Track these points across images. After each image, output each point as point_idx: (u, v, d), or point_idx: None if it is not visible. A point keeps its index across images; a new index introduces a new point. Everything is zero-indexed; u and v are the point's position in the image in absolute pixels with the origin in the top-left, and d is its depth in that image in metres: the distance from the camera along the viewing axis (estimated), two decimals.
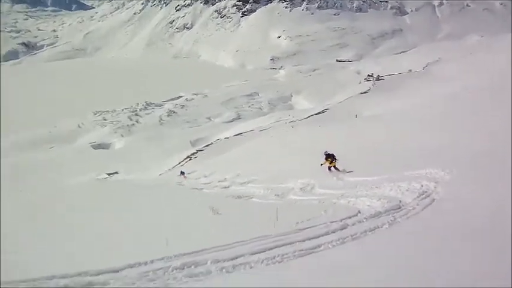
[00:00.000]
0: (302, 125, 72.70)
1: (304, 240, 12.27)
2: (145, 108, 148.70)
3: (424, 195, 15.89)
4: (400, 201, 15.67)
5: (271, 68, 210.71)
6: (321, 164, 26.57)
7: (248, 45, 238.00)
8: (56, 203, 28.07)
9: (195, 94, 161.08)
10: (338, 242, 11.88)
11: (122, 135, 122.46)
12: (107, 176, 69.14)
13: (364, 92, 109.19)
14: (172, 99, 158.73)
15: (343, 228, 13.32)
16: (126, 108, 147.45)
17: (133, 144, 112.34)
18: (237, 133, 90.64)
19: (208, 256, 11.01)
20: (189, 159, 70.94)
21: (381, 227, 12.92)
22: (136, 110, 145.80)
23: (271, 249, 11.54)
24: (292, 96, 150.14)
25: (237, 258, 10.92)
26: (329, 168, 26.53)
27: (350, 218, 14.49)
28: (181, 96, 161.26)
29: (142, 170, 69.03)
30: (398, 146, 29.17)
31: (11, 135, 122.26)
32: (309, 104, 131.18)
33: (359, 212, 15.30)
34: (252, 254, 11.22)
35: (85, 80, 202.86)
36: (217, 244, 11.90)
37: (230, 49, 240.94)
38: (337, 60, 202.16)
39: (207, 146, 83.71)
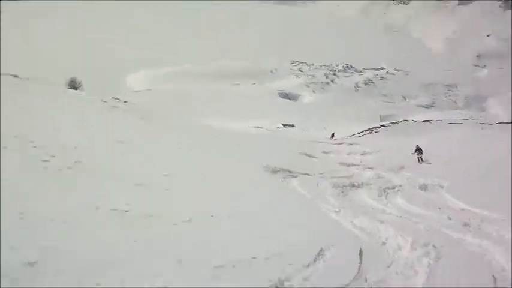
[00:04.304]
0: (490, 129, 69.69)
1: None
2: (345, 70, 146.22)
3: None
4: None
5: (475, 65, 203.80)
6: (412, 153, 31.27)
7: (459, 35, 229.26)
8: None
9: (397, 70, 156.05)
10: None
11: (314, 91, 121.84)
12: (282, 126, 67.51)
13: None
14: (374, 68, 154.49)
15: None
16: (325, 65, 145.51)
17: (322, 102, 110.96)
18: (426, 119, 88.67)
19: None
20: (369, 132, 66.66)
21: None
22: (335, 70, 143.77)
23: None
24: (487, 98, 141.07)
25: None
26: (418, 159, 31.12)
27: None
28: (383, 68, 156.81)
29: (320, 129, 66.38)
30: None
31: (211, 63, 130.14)
32: (501, 110, 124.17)
33: None
34: None
35: (293, 27, 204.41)
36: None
37: (442, 34, 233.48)
38: None
39: (392, 123, 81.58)
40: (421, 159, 31.04)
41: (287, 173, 25.04)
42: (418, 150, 31.48)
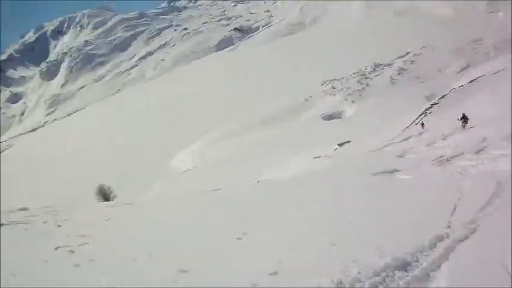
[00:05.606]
0: None
1: None
2: (374, 70, 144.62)
3: None
4: None
5: (490, 12, 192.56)
6: (458, 119, 33.24)
7: None
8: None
9: (423, 47, 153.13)
10: None
11: (353, 102, 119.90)
12: (338, 147, 64.42)
13: None
14: (400, 56, 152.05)
15: None
16: (354, 73, 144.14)
17: (365, 109, 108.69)
18: (470, 80, 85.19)
19: None
20: (424, 115, 65.70)
21: None
22: (365, 73, 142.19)
23: None
24: None
25: None
26: (462, 126, 32.69)
27: None
28: (409, 52, 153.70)
29: (374, 134, 62.98)
30: None
31: (244, 118, 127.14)
32: None
33: None
34: None
35: (306, 53, 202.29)
36: None
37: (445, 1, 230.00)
38: None
39: (441, 98, 78.54)
40: (464, 126, 32.59)
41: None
42: (464, 118, 32.98)
